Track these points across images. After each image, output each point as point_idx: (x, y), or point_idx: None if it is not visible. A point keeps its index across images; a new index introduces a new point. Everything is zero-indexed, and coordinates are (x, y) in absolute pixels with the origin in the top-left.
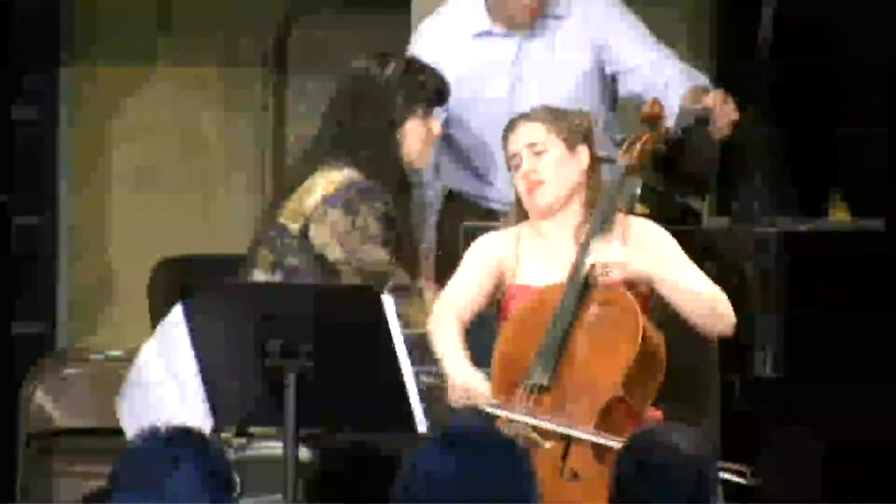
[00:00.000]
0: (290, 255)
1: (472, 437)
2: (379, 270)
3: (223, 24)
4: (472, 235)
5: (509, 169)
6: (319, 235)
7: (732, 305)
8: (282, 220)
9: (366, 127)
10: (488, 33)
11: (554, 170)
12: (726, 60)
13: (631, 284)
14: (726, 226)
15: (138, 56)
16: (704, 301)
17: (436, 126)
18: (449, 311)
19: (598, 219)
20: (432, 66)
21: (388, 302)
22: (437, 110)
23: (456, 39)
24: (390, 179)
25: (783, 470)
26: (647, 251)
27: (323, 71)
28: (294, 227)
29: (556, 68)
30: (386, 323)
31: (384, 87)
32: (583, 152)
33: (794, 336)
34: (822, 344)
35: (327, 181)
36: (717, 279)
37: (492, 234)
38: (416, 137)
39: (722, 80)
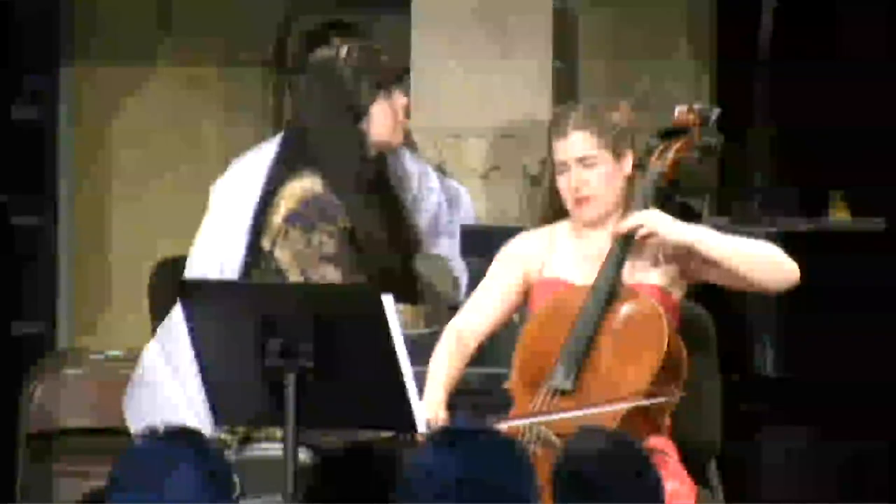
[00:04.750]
0: (270, 277)
1: (472, 437)
2: None
3: (223, 24)
4: (471, 236)
5: (554, 169)
6: (283, 257)
7: (733, 305)
8: (263, 240)
9: (330, 128)
10: None
11: (602, 185)
12: (726, 60)
13: (665, 293)
14: (726, 226)
15: (138, 56)
16: (759, 255)
17: (402, 101)
18: (450, 332)
19: None
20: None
21: (388, 302)
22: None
23: None
24: (356, 187)
25: (783, 470)
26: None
27: None
28: (266, 245)
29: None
30: (386, 323)
31: (345, 73)
32: (628, 159)
33: (794, 336)
34: (822, 344)
35: (290, 194)
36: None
37: (523, 235)
38: (383, 118)
39: (722, 80)
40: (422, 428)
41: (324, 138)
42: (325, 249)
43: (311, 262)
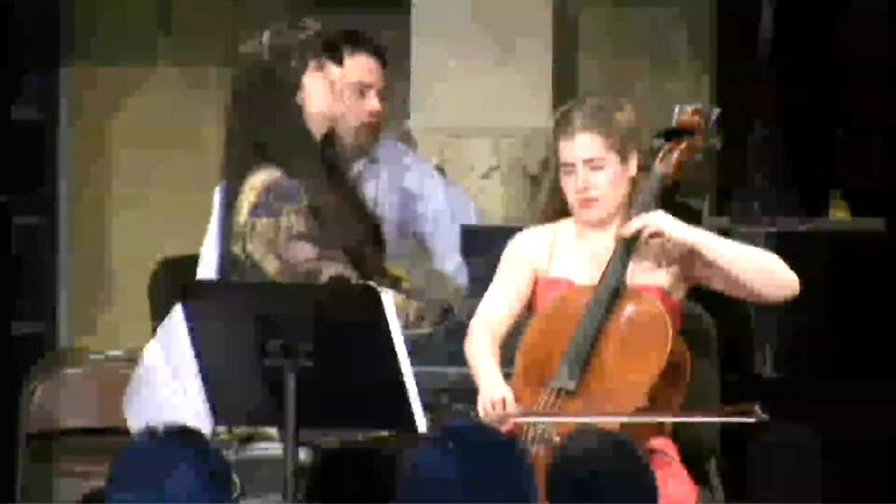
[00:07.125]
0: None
1: (472, 437)
2: (308, 268)
3: (223, 24)
4: (470, 236)
5: (558, 169)
6: (256, 250)
7: (733, 305)
8: (234, 243)
9: (270, 116)
10: None
11: (608, 187)
12: (726, 60)
13: (667, 295)
14: (726, 226)
15: (138, 56)
16: (761, 264)
17: (335, 72)
18: (480, 325)
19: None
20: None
21: (387, 301)
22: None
23: None
24: (313, 167)
25: (783, 470)
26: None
27: None
28: (237, 249)
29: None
30: (386, 322)
31: (269, 57)
32: (633, 160)
33: (794, 336)
34: (822, 344)
35: (250, 189)
36: None
37: (527, 231)
38: (318, 88)
39: (722, 80)
40: (422, 428)
41: (267, 129)
42: (296, 229)
43: (284, 244)
